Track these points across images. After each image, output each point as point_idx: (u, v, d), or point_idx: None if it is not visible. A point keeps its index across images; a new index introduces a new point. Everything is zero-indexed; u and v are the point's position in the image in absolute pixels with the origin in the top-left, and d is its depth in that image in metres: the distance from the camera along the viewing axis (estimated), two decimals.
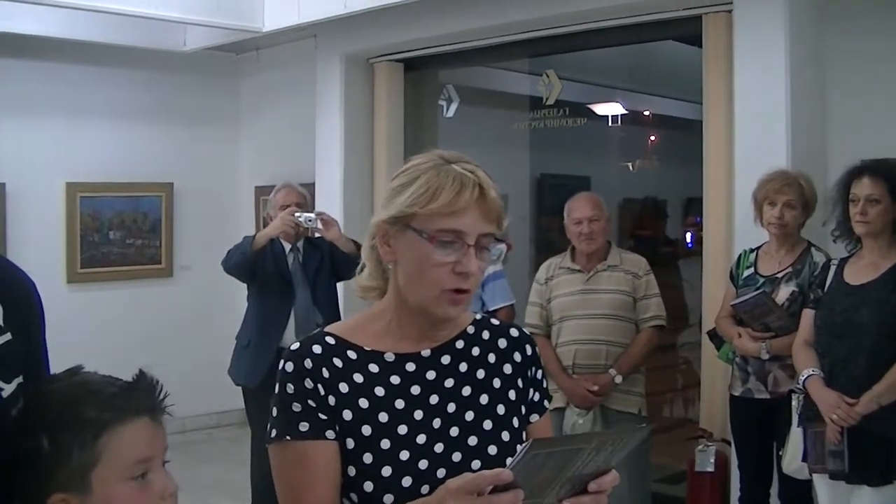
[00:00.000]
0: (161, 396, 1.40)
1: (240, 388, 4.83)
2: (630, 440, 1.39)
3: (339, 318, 4.69)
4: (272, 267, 4.67)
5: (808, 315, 3.52)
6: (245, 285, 4.85)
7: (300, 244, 4.77)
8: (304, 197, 4.84)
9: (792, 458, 3.51)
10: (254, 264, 4.60)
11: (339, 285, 4.91)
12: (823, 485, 3.40)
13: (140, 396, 1.37)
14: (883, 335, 3.22)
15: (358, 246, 4.65)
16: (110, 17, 5.68)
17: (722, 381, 4.28)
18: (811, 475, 3.45)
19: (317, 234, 4.71)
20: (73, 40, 6.23)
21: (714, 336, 4.15)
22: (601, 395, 4.18)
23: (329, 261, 4.72)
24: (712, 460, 4.23)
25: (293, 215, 4.57)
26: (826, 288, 3.48)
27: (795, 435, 3.49)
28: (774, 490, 3.90)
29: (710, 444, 4.28)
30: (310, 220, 4.55)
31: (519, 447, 1.27)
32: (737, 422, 4.00)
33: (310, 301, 4.67)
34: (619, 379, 4.18)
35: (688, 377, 6.19)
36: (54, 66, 6.61)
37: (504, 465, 1.31)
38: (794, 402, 3.52)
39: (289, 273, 4.71)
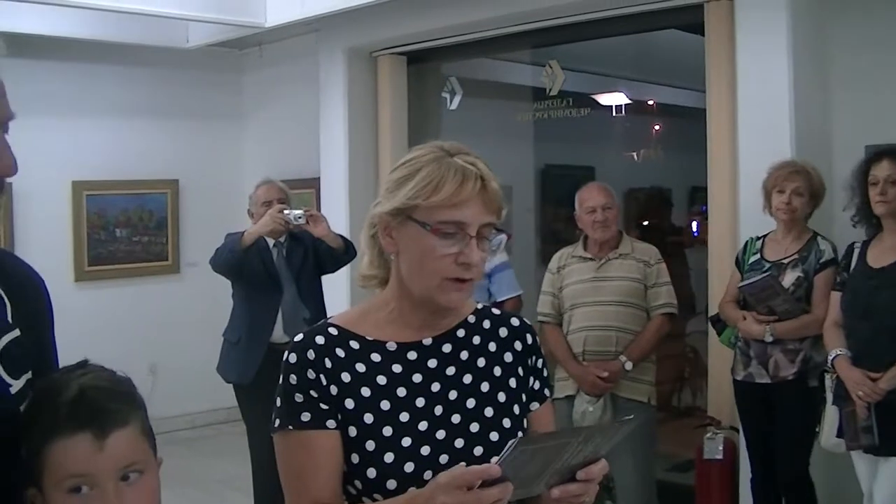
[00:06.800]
0: (114, 410, 1.33)
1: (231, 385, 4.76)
2: (619, 431, 1.42)
3: (324, 312, 4.64)
4: (258, 263, 4.59)
5: (835, 297, 3.62)
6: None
7: (282, 238, 4.69)
8: (285, 192, 4.76)
9: (829, 435, 3.59)
10: (242, 262, 4.54)
11: (345, 277, 4.88)
12: (860, 461, 3.49)
13: (82, 412, 1.31)
14: None
15: (345, 241, 4.64)
16: (113, 14, 5.70)
17: (729, 369, 4.29)
18: (848, 451, 3.53)
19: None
20: (77, 39, 6.25)
21: (717, 321, 4.17)
22: (611, 381, 4.19)
23: (312, 255, 4.67)
24: (720, 448, 4.24)
25: (282, 213, 4.50)
26: (850, 270, 3.57)
27: (831, 412, 3.58)
28: None
29: (718, 431, 4.29)
30: (299, 217, 4.48)
31: (510, 441, 1.29)
32: (740, 405, 4.04)
33: (296, 296, 4.62)
34: (629, 366, 4.18)
35: (695, 365, 6.19)
36: (58, 65, 6.63)
37: None
38: (827, 382, 3.62)
39: (275, 269, 4.64)
